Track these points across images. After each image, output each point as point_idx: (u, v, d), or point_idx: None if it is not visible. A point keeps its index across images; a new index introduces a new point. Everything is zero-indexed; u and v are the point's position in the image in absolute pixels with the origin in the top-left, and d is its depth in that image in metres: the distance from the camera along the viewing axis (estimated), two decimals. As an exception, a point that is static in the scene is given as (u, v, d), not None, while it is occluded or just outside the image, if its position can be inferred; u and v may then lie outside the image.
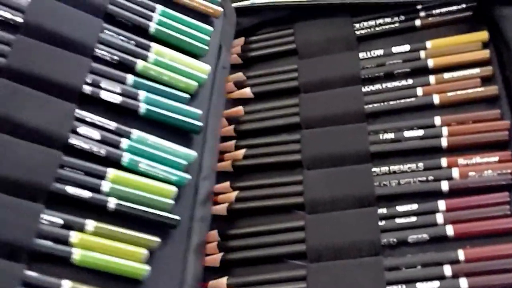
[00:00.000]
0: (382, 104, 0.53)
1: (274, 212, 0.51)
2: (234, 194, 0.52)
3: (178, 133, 0.49)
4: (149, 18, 0.51)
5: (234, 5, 0.61)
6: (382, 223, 0.47)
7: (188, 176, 0.47)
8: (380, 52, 0.56)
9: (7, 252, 0.38)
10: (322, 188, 0.50)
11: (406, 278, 0.44)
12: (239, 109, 0.57)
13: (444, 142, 0.50)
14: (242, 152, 0.54)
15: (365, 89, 0.54)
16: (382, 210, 0.47)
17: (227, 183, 0.53)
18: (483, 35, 0.54)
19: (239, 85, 0.58)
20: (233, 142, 0.55)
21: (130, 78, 0.48)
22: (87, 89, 0.45)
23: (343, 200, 0.49)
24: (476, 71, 0.52)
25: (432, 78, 0.53)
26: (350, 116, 0.53)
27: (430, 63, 0.54)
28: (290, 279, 0.47)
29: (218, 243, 0.49)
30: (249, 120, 0.56)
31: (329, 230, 0.47)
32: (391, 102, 0.53)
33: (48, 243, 0.39)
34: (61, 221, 0.40)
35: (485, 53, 0.53)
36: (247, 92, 0.58)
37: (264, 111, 0.57)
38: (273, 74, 0.59)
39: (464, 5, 0.56)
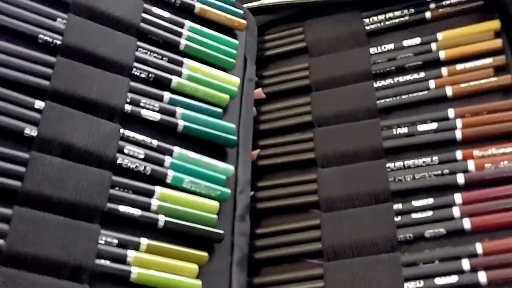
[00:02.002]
0: (394, 98, 0.53)
1: (289, 211, 0.51)
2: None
3: (212, 147, 0.49)
4: (179, 35, 0.51)
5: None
6: (398, 218, 0.46)
7: (229, 190, 0.47)
8: (390, 46, 0.56)
9: (68, 273, 0.38)
10: (337, 186, 0.49)
11: (424, 274, 0.44)
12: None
13: (458, 135, 0.49)
14: (256, 152, 0.54)
15: (377, 84, 0.54)
16: (398, 206, 0.47)
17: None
18: (495, 24, 0.53)
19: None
20: (246, 143, 0.55)
21: (166, 95, 0.48)
22: (127, 108, 0.45)
23: (358, 197, 0.48)
24: (489, 61, 0.52)
25: (444, 70, 0.53)
26: (362, 112, 0.53)
27: (442, 55, 0.53)
28: (307, 278, 0.47)
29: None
30: (262, 121, 0.56)
31: (345, 228, 0.47)
32: (404, 96, 0.53)
33: (107, 263, 0.40)
34: (116, 241, 0.41)
35: (498, 42, 0.52)
36: (260, 92, 0.58)
37: (276, 111, 0.57)
38: (284, 73, 0.59)
39: (474, -6, 0.56)
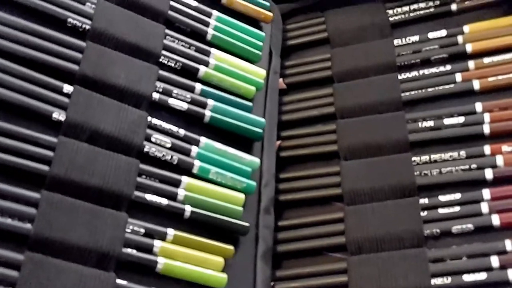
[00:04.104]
0: (419, 91, 0.52)
1: (311, 204, 0.50)
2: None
3: (237, 139, 0.48)
4: (206, 24, 0.50)
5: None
6: (424, 213, 0.46)
7: (254, 183, 0.46)
8: (415, 38, 0.55)
9: (94, 261, 0.37)
10: (361, 179, 0.49)
11: (451, 270, 0.43)
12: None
13: (486, 129, 0.48)
14: (277, 143, 0.53)
15: (402, 76, 0.53)
16: (424, 200, 0.46)
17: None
18: (524, 17, 0.53)
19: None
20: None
21: (198, 86, 0.47)
22: (155, 96, 0.45)
23: (382, 190, 0.47)
24: (517, 55, 0.51)
25: (471, 63, 0.52)
26: (386, 105, 0.52)
27: (469, 48, 0.52)
28: (330, 272, 0.46)
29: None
30: (283, 112, 0.55)
31: (369, 222, 0.46)
32: (429, 89, 0.52)
33: (134, 252, 0.39)
34: (143, 230, 0.40)
35: (527, 36, 0.52)
36: (280, 83, 0.57)
37: (298, 102, 0.56)
38: (305, 63, 0.58)
39: (502, -14, 0.55)
